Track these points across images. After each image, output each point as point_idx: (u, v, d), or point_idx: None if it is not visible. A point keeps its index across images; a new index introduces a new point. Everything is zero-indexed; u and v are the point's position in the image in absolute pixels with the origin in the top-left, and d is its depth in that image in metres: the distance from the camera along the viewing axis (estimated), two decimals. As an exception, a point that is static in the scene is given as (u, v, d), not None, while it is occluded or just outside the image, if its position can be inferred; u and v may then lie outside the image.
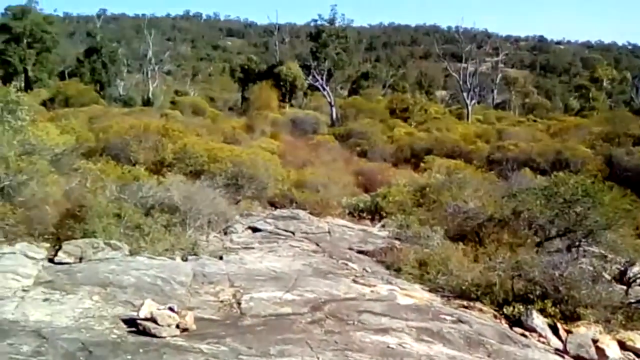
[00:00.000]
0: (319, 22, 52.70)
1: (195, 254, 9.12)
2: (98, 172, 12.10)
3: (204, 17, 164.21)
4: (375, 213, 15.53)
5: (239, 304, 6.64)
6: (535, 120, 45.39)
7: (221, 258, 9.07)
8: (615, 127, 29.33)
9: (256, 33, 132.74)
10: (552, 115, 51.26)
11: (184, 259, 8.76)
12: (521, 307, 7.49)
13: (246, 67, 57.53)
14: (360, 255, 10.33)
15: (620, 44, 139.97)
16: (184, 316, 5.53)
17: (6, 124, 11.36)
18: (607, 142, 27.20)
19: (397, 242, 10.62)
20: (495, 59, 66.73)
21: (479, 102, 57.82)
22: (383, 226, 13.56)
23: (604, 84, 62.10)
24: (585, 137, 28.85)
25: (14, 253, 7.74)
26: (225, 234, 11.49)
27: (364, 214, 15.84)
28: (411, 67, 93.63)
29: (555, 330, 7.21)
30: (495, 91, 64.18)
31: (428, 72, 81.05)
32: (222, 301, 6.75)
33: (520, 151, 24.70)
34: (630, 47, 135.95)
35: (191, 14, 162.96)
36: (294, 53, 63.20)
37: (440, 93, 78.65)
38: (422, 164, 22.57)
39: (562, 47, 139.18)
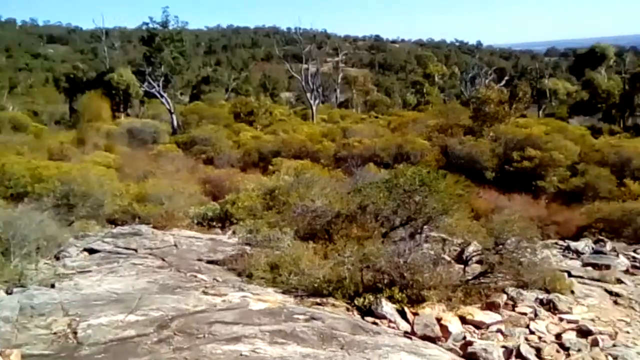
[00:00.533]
0: (150, 26, 51.00)
1: (22, 285, 8.39)
2: None
3: (19, 22, 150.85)
4: (225, 220, 15.47)
5: (75, 333, 6.23)
6: (377, 117, 48.23)
7: (53, 286, 8.43)
8: (448, 119, 32.21)
9: (82, 39, 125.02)
10: (392, 111, 54.89)
11: (9, 292, 8.02)
12: (371, 297, 7.92)
13: (72, 76, 54.11)
14: (210, 266, 10.22)
15: (448, 41, 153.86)
16: (8, 355, 5.08)
17: None
18: (442, 133, 29.76)
19: (247, 248, 10.66)
20: (336, 58, 69.81)
21: (323, 102, 60.02)
22: (233, 233, 13.54)
23: (436, 79, 67.89)
24: (423, 130, 31.30)
25: None
26: (58, 259, 10.68)
27: (214, 223, 15.70)
28: (254, 70, 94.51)
29: (403, 315, 7.74)
30: (338, 90, 67.01)
31: (271, 74, 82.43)
32: (55, 333, 6.28)
33: (364, 147, 26.12)
34: (457, 44, 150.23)
35: (3, 19, 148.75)
36: (126, 59, 60.78)
37: (285, 95, 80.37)
38: (270, 167, 22.91)
39: (397, 45, 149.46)
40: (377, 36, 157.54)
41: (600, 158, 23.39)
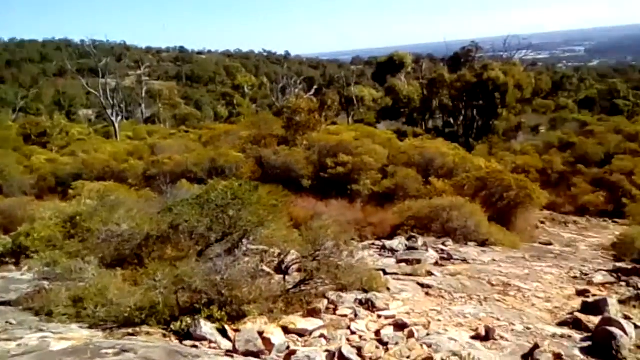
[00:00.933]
0: None
1: None
2: None
3: None
4: (19, 255, 14.01)
5: None
6: (187, 131, 47.46)
7: None
8: (261, 130, 32.73)
9: None
10: (203, 125, 54.42)
11: None
12: (189, 319, 7.71)
13: None
14: (2, 308, 9.17)
15: (257, 51, 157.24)
16: None
17: None
18: (255, 144, 30.14)
19: (46, 283, 9.75)
20: (139, 72, 67.44)
21: (127, 118, 57.64)
22: (29, 269, 12.31)
23: (246, 90, 68.90)
24: (236, 142, 31.42)
25: None
26: None
27: (6, 259, 14.15)
28: (45, 86, 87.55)
29: (224, 333, 7.65)
30: (143, 105, 64.82)
31: (66, 91, 77.04)
32: None
33: (175, 164, 25.48)
34: (266, 54, 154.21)
35: None
36: None
37: (84, 112, 75.58)
38: (70, 192, 21.34)
39: (204, 57, 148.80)
40: (182, 47, 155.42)
41: (407, 159, 25.28)
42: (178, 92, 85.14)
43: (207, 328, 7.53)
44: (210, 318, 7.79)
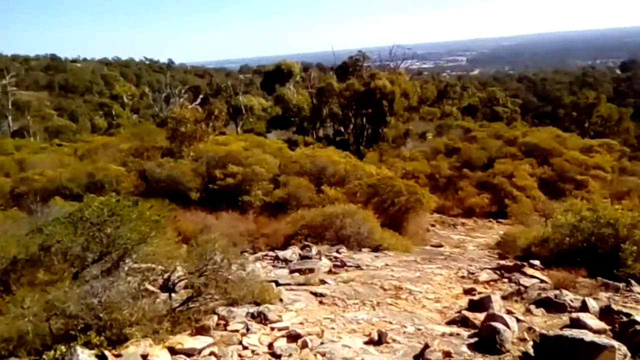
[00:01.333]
0: None
1: None
2: None
3: None
4: None
5: None
6: (60, 145, 45.08)
7: None
8: (144, 142, 31.71)
9: None
10: (79, 137, 51.92)
11: None
12: (63, 347, 7.25)
13: None
14: None
15: (137, 59, 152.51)
16: None
17: None
18: (138, 157, 29.14)
19: None
20: (4, 81, 63.38)
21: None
22: None
23: (125, 100, 66.59)
24: (116, 155, 30.23)
25: None
26: None
27: None
28: None
29: (104, 359, 7.26)
30: (10, 117, 60.89)
31: None
32: None
33: (47, 180, 24.09)
34: (147, 62, 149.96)
35: None
36: None
37: None
38: None
39: (79, 65, 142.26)
40: (54, 55, 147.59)
41: (299, 168, 25.43)
42: (50, 103, 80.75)
43: (84, 355, 7.11)
44: (88, 344, 7.38)
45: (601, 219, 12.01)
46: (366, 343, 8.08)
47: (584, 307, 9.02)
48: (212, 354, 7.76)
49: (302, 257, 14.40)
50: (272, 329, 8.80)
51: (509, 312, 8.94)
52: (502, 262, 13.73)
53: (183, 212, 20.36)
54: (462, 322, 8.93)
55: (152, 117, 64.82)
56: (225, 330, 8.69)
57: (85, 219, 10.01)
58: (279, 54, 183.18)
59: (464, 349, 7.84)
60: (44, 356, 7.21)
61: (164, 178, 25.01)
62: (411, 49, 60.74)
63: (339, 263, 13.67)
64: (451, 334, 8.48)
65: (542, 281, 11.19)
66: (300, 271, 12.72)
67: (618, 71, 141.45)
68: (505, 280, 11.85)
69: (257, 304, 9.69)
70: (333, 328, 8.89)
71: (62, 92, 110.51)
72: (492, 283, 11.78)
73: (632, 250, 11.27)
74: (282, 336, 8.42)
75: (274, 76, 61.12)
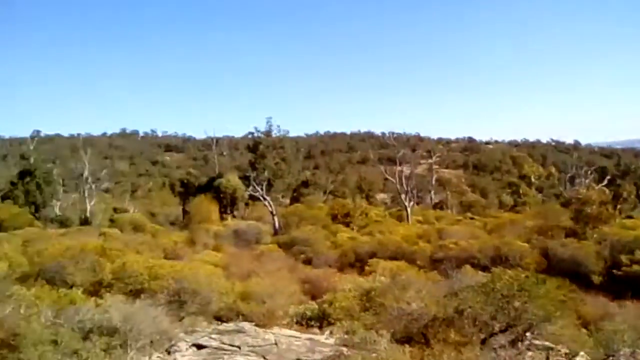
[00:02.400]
0: (255, 134, 54.44)
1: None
2: (32, 298, 11.71)
3: (141, 134, 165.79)
4: (322, 320, 15.46)
5: None
6: (472, 218, 47.24)
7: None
8: (547, 220, 30.98)
9: (195, 147, 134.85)
10: (488, 212, 53.57)
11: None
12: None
13: (186, 181, 58.00)
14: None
15: (544, 141, 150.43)
16: None
17: None
18: (541, 235, 28.57)
19: (344, 349, 10.60)
20: (430, 160, 70.10)
21: (418, 203, 59.81)
22: (330, 333, 13.52)
23: (532, 179, 66.08)
24: (521, 231, 30.26)
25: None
26: (169, 353, 11.17)
27: (312, 322, 15.72)
28: (350, 173, 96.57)
29: None
30: (432, 192, 66.76)
31: (367, 177, 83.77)
32: None
33: (460, 249, 25.50)
34: (553, 143, 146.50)
35: (128, 131, 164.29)
36: (233, 165, 64.46)
37: (380, 196, 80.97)
38: (366, 268, 22.85)
39: (491, 146, 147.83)
40: (470, 138, 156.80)
41: None
42: (465, 180, 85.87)
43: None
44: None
45: None
46: None
47: None
48: None
49: None
50: None
51: None
52: None
53: (583, 294, 18.96)
54: None
55: (556, 197, 62.58)
56: None
57: (496, 290, 10.38)
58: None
59: None
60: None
61: (565, 258, 23.86)
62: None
63: None
64: None
65: None
66: None
67: None
68: None
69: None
70: None
71: (474, 171, 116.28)
72: None
73: None
74: None
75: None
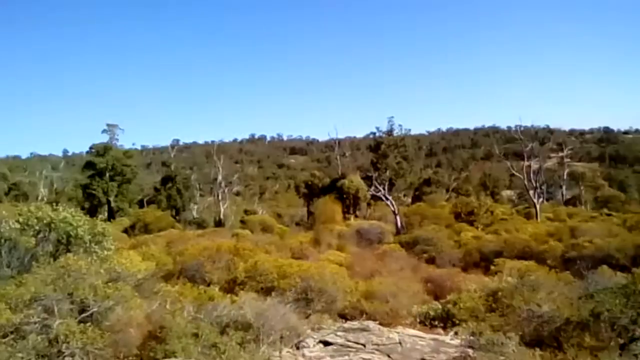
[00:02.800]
0: (377, 134, 54.67)
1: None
2: (176, 294, 12.76)
3: (268, 138, 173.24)
4: (446, 321, 15.22)
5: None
6: (609, 214, 43.83)
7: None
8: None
9: (318, 149, 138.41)
10: (627, 208, 49.38)
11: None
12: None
13: (310, 182, 59.62)
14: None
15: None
16: None
17: (94, 254, 12.43)
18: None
19: (470, 351, 10.40)
20: (561, 154, 66.13)
21: (547, 200, 56.69)
22: (455, 334, 13.28)
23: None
24: (668, 228, 27.63)
25: (102, 377, 8.24)
26: (298, 348, 11.63)
27: (435, 322, 15.53)
28: (474, 170, 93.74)
29: None
30: (564, 187, 62.86)
31: (491, 173, 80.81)
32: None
33: (596, 248, 23.79)
34: None
35: (256, 136, 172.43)
36: (355, 165, 65.16)
37: (506, 193, 77.75)
38: (492, 268, 22.10)
39: (630, 136, 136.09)
40: (607, 127, 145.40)
41: None
42: (600, 174, 79.79)
43: None
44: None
45: None
46: None
47: None
48: None
49: None
50: None
51: None
52: None
53: None
54: None
55: None
56: None
57: (637, 292, 9.65)
58: None
59: None
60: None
61: None
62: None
63: None
64: None
65: None
66: None
67: None
68: None
69: None
70: None
71: (612, 163, 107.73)
72: None
73: None
74: None
75: None
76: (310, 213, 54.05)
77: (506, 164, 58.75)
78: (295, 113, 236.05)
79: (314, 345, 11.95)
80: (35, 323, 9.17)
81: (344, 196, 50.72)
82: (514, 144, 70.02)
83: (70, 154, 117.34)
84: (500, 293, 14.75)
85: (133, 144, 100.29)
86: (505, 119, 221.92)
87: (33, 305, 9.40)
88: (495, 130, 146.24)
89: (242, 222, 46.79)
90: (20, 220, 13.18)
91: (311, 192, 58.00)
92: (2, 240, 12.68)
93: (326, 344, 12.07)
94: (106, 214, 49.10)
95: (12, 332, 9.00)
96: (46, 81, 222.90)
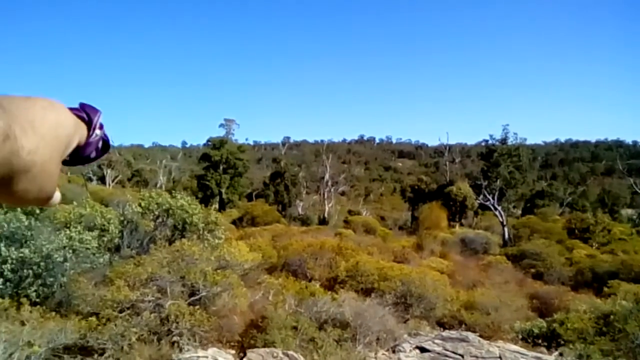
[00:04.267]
0: (490, 142, 52.80)
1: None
2: (279, 287, 13.20)
3: (377, 140, 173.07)
4: (551, 340, 14.44)
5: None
6: None
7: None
8: None
9: (427, 154, 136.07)
10: None
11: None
12: None
13: (416, 187, 58.85)
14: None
15: None
16: None
17: (206, 241, 13.19)
18: None
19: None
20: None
21: (674, 222, 51.73)
22: (561, 355, 12.57)
23: None
24: None
25: (207, 357, 8.74)
26: (394, 352, 11.59)
27: (539, 341, 14.80)
28: (592, 185, 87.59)
29: None
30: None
31: (611, 190, 75.18)
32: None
33: None
34: None
35: (365, 138, 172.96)
36: (464, 172, 63.40)
37: (626, 212, 71.80)
38: (605, 289, 20.63)
39: None
40: None
41: None
42: None
43: None
44: None
45: None
46: None
47: None
48: None
49: None
50: None
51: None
52: None
53: None
54: None
55: None
56: None
57: None
58: None
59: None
60: None
61: None
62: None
63: None
64: None
65: None
66: None
67: None
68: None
69: None
70: None
71: None
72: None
73: None
74: None
75: None
76: (414, 218, 53.35)
77: (629, 181, 54.41)
78: (406, 116, 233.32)
79: (410, 351, 11.85)
80: (149, 302, 9.92)
81: (451, 203, 49.54)
82: (640, 160, 64.73)
83: (188, 145, 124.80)
84: (612, 316, 13.75)
85: (246, 139, 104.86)
86: (631, 133, 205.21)
87: (149, 285, 10.17)
88: (619, 144, 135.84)
89: (346, 221, 47.18)
90: (142, 204, 14.30)
91: (417, 197, 57.26)
92: (126, 222, 13.84)
93: (423, 350, 11.92)
94: (217, 204, 51.64)
95: (128, 308, 9.80)
96: (172, 77, 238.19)
